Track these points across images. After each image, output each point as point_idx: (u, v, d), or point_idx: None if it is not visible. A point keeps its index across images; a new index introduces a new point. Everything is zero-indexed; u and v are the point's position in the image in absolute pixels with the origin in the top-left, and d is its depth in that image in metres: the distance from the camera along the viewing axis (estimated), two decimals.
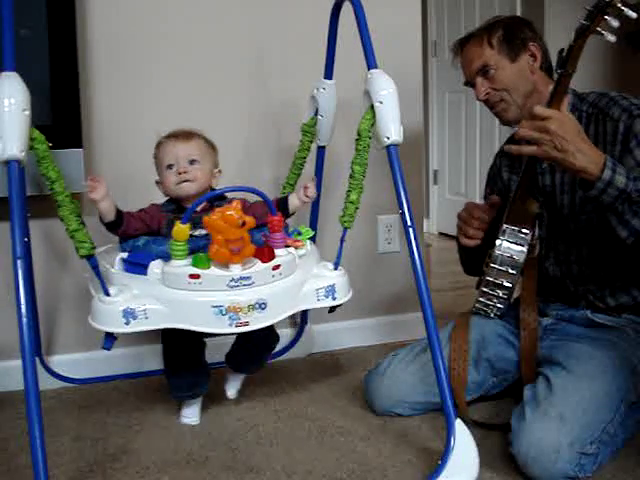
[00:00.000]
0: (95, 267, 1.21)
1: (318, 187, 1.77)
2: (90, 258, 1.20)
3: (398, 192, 1.29)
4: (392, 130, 1.30)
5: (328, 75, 1.61)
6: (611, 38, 1.23)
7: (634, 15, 1.19)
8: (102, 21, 1.76)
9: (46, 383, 1.72)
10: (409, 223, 1.28)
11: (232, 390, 1.59)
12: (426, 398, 1.50)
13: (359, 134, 1.32)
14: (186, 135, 1.44)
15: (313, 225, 1.81)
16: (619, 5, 1.19)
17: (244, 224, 1.16)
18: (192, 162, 1.41)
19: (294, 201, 1.48)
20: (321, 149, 1.73)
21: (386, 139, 1.31)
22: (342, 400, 1.66)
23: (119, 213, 1.35)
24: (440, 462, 1.22)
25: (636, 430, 1.36)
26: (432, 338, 1.26)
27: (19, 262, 1.11)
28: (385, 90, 1.31)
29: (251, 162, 1.93)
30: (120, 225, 1.35)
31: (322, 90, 1.60)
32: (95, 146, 1.78)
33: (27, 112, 1.15)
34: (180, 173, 1.39)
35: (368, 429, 1.49)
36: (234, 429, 1.51)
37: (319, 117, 1.63)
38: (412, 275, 1.28)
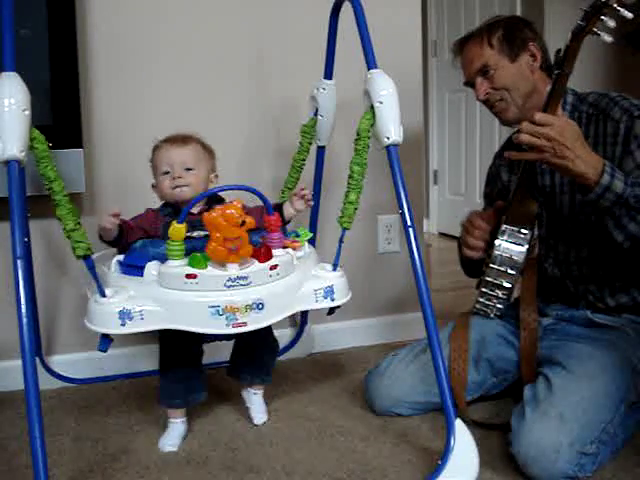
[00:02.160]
0: (91, 267, 1.20)
1: (318, 187, 1.78)
2: (86, 259, 1.19)
3: (398, 192, 1.29)
4: (392, 130, 1.30)
5: (328, 75, 1.61)
6: (607, 38, 1.23)
7: (630, 15, 1.19)
8: (102, 21, 1.76)
9: (46, 383, 1.72)
10: (409, 223, 1.28)
11: (257, 413, 1.52)
12: (426, 398, 1.50)
13: (358, 134, 1.32)
14: (182, 140, 1.42)
15: (313, 226, 1.81)
16: (615, 5, 1.20)
17: (244, 223, 1.16)
18: (188, 169, 1.39)
19: (289, 210, 1.47)
20: (321, 149, 1.73)
21: (386, 139, 1.31)
22: (342, 400, 1.66)
23: (119, 231, 1.32)
24: (440, 462, 1.22)
25: (636, 430, 1.36)
26: (432, 338, 1.26)
27: (19, 262, 1.11)
28: (385, 90, 1.31)
29: (251, 162, 1.93)
30: (120, 241, 1.34)
31: (322, 90, 1.60)
32: (95, 146, 1.79)
33: (27, 112, 1.14)
34: (174, 178, 1.38)
35: (368, 429, 1.49)
36: (234, 429, 1.51)
37: (319, 117, 1.63)
38: (412, 275, 1.28)
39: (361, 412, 1.58)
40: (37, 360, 1.66)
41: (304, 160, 1.66)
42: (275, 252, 1.27)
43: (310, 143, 1.65)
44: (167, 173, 1.40)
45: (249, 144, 1.93)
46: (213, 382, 1.70)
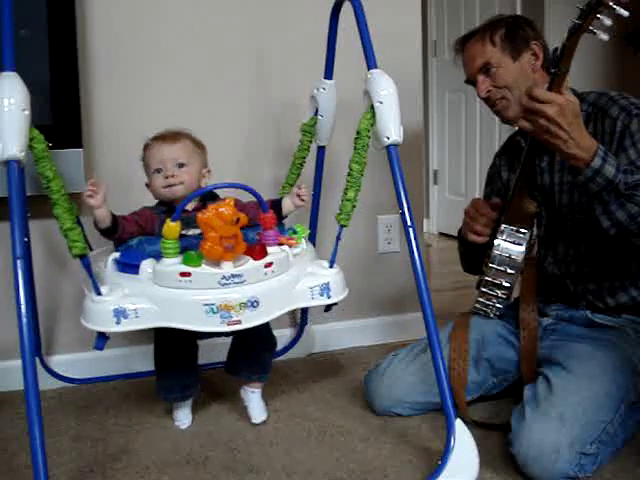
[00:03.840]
0: (87, 266, 1.20)
1: (318, 187, 1.78)
2: (82, 258, 1.19)
3: (398, 192, 1.29)
4: (392, 130, 1.30)
5: (328, 75, 1.61)
6: (604, 37, 1.23)
7: (626, 14, 1.19)
8: (102, 21, 1.76)
9: (46, 383, 1.72)
10: (409, 223, 1.28)
11: (255, 412, 1.52)
12: (426, 398, 1.50)
13: (358, 133, 1.32)
14: (172, 137, 1.42)
15: (313, 225, 1.81)
16: (611, 4, 1.19)
17: (238, 221, 1.16)
18: (180, 165, 1.39)
19: (287, 204, 1.48)
20: (321, 149, 1.73)
21: (386, 139, 1.31)
22: (342, 400, 1.66)
23: (114, 219, 1.33)
24: (440, 462, 1.22)
25: (636, 430, 1.36)
26: (432, 338, 1.26)
27: (19, 262, 1.11)
28: (385, 90, 1.31)
29: (251, 162, 1.93)
30: (115, 231, 1.33)
31: (322, 90, 1.60)
32: (95, 146, 1.79)
33: (27, 112, 1.14)
34: (167, 177, 1.38)
35: (368, 429, 1.49)
36: (234, 429, 1.51)
37: (319, 117, 1.63)
38: (412, 275, 1.28)
39: (361, 412, 1.58)
40: (37, 360, 1.66)
41: (304, 158, 1.66)
42: (270, 249, 1.27)
43: (310, 142, 1.65)
44: (159, 171, 1.39)
45: (249, 144, 1.93)
46: (213, 382, 1.70)
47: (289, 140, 1.78)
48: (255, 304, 1.21)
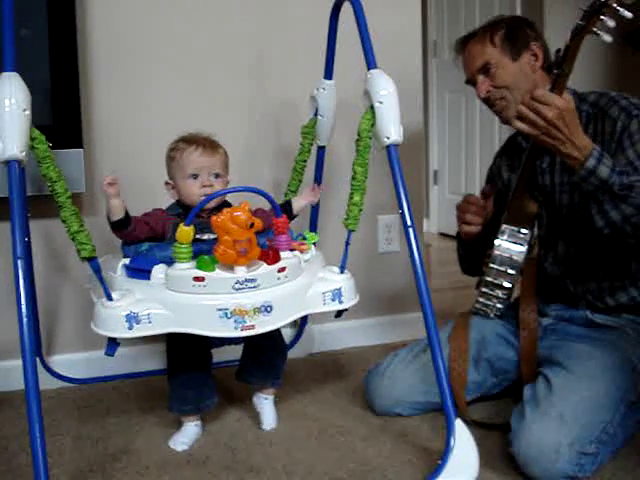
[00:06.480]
0: (97, 270, 1.19)
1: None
2: (92, 260, 1.18)
3: (398, 192, 1.29)
4: (392, 130, 1.30)
5: (328, 75, 1.61)
6: (607, 38, 1.24)
7: (630, 15, 1.20)
8: (102, 21, 1.76)
9: (46, 383, 1.71)
10: (409, 223, 1.28)
11: (268, 418, 1.50)
12: (426, 398, 1.51)
13: (359, 134, 1.32)
14: (212, 146, 1.40)
15: (314, 225, 1.80)
16: (615, 5, 1.20)
17: (252, 225, 1.16)
18: (216, 176, 1.39)
19: (299, 201, 1.50)
20: (321, 149, 1.73)
21: (386, 139, 1.31)
22: (342, 400, 1.66)
23: (127, 213, 1.31)
24: (440, 462, 1.22)
25: (636, 430, 1.36)
26: (432, 338, 1.26)
27: (19, 262, 1.11)
28: (385, 90, 1.31)
29: (251, 162, 1.93)
30: (128, 225, 1.30)
31: (322, 90, 1.60)
32: (95, 146, 1.79)
33: (27, 112, 1.14)
34: (205, 186, 1.37)
35: (368, 429, 1.49)
36: (234, 429, 1.51)
37: (319, 117, 1.63)
38: (412, 275, 1.28)
39: (361, 412, 1.58)
40: (37, 360, 1.66)
41: (305, 161, 1.65)
42: (283, 254, 1.26)
43: (311, 144, 1.65)
44: (194, 177, 1.37)
45: (249, 144, 1.93)
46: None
47: (289, 140, 1.78)
48: (269, 309, 1.20)
